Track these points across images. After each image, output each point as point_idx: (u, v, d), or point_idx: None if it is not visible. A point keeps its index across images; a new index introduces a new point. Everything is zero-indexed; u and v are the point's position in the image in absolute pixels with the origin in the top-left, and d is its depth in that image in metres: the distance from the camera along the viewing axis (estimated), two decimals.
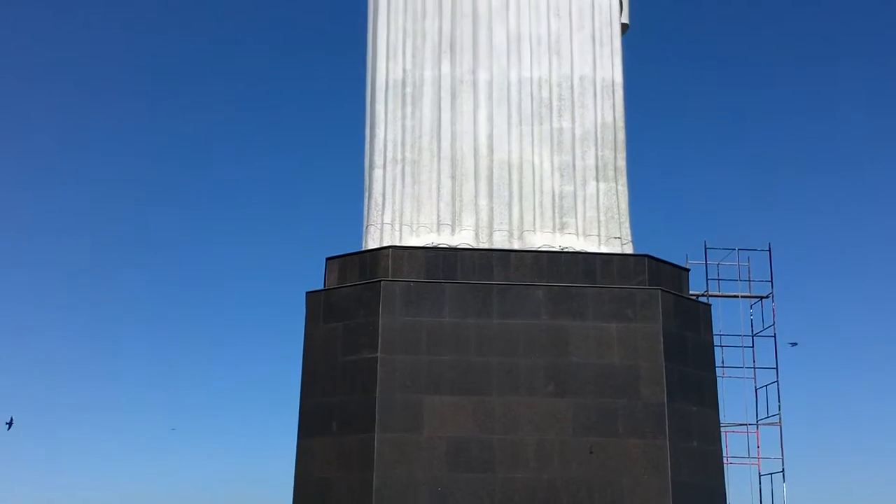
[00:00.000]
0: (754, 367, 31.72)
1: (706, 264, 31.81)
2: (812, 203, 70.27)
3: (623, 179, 27.18)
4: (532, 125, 26.93)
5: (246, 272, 70.87)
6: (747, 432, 31.37)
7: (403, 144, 26.67)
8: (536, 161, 26.74)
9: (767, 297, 32.18)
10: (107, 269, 67.91)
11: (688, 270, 26.92)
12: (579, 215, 26.59)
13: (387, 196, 26.32)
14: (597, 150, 26.96)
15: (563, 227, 26.41)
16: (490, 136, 26.75)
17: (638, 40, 31.42)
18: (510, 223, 26.37)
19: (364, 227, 26.63)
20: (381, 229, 26.10)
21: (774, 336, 31.75)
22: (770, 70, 71.55)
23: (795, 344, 34.69)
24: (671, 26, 71.54)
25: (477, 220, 26.31)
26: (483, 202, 26.39)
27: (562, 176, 26.73)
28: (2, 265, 66.61)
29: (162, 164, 71.49)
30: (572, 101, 27.16)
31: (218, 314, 68.80)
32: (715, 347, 26.63)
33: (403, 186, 26.40)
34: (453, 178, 26.44)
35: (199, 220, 71.95)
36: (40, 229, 68.20)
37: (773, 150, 71.30)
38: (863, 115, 69.52)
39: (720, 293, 32.16)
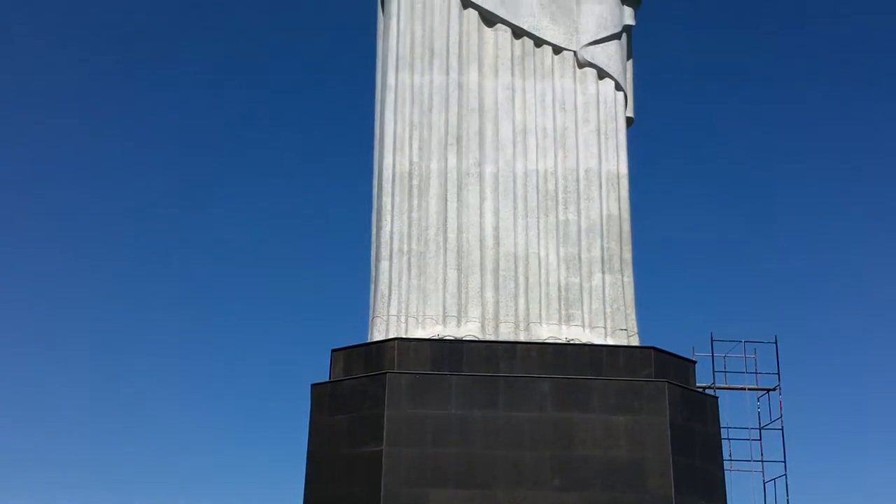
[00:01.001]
0: (762, 461, 31.43)
1: (713, 356, 31.73)
2: (819, 294, 70.28)
3: (629, 271, 27.26)
4: (538, 217, 27.09)
5: (251, 363, 70.72)
6: None
7: (410, 236, 26.81)
8: (542, 253, 26.85)
9: (774, 389, 32.01)
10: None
11: (694, 363, 26.86)
12: (585, 307, 26.61)
13: (393, 288, 26.38)
14: (602, 242, 27.09)
15: (569, 318, 26.43)
16: (496, 228, 26.90)
17: (644, 133, 31.79)
18: (516, 315, 26.39)
19: (370, 319, 26.66)
20: (387, 321, 26.11)
21: (782, 429, 31.51)
22: (772, 165, 72.08)
23: None
24: (677, 120, 72.28)
25: (483, 311, 26.33)
26: (489, 294, 26.43)
27: (567, 268, 26.82)
28: None
29: (165, 266, 71.66)
30: (578, 194, 27.36)
31: (221, 402, 68.50)
32: (722, 440, 26.43)
33: (410, 278, 26.48)
34: (459, 269, 26.53)
35: (202, 309, 71.94)
36: None
37: (779, 242, 71.52)
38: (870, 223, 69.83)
39: (727, 385, 32.01)
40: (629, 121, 28.91)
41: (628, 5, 29.25)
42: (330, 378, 25.71)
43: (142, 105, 72.63)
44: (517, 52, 28.14)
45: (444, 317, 26.15)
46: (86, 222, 70.14)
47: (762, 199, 71.03)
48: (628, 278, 27.19)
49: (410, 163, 27.26)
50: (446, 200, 26.96)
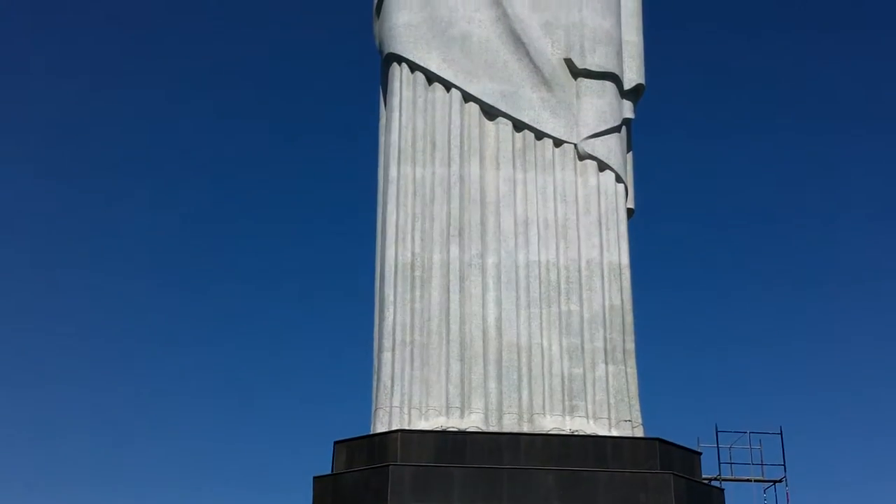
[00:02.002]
0: None
1: (718, 447, 31.55)
2: (824, 383, 70.02)
3: (632, 362, 27.20)
4: (540, 308, 27.11)
5: (251, 454, 70.13)
6: None
7: (412, 327, 26.80)
8: (545, 344, 26.81)
9: (780, 480, 31.76)
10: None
11: (699, 454, 26.64)
12: (589, 398, 26.49)
13: (396, 379, 26.30)
14: (605, 332, 27.06)
15: (572, 410, 26.29)
16: (499, 319, 26.90)
17: (643, 224, 31.98)
18: (520, 406, 26.25)
19: (372, 411, 26.52)
20: (390, 412, 25.97)
21: None
22: (771, 253, 72.39)
23: None
24: (678, 210, 72.69)
25: (486, 403, 26.20)
26: (492, 385, 26.33)
27: (571, 359, 26.75)
28: None
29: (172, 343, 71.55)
30: (580, 285, 27.42)
31: (220, 494, 67.69)
32: None
33: (412, 369, 26.41)
34: (462, 360, 26.46)
35: (204, 399, 71.58)
36: None
37: (782, 331, 71.47)
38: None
39: (733, 477, 31.78)
40: (630, 212, 29.10)
41: (627, 99, 29.62)
42: (332, 470, 25.48)
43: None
44: (518, 144, 28.42)
45: (447, 408, 26.01)
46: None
47: (764, 287, 71.20)
48: (632, 369, 27.13)
49: (413, 254, 27.36)
50: (449, 291, 27.00)
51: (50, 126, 72.44)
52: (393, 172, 28.14)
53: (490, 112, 28.50)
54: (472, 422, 25.83)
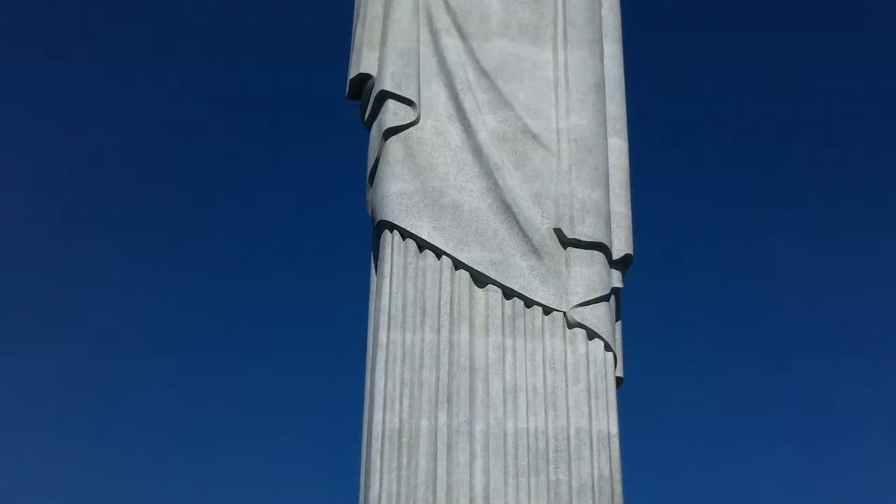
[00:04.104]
0: None
1: None
2: None
3: None
4: (528, 477, 26.77)
5: None
6: None
7: (398, 495, 26.38)
8: None
9: None
10: None
11: None
12: None
13: None
14: (594, 502, 26.67)
15: None
16: (486, 488, 26.52)
17: (635, 392, 31.89)
18: None
19: None
20: None
21: None
22: (762, 412, 71.95)
23: None
24: (668, 380, 72.57)
25: None
26: None
27: None
28: None
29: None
30: (569, 454, 27.14)
31: None
32: None
33: None
34: None
35: None
36: None
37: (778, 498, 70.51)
38: None
39: None
40: (619, 380, 29.07)
41: (616, 269, 29.94)
42: None
43: None
44: (508, 312, 28.56)
45: None
46: None
47: (756, 457, 70.64)
48: None
49: (400, 420, 27.14)
50: (436, 459, 26.69)
51: None
52: (382, 338, 28.16)
53: (480, 279, 28.74)
54: None
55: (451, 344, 27.96)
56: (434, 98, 30.05)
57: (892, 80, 75.20)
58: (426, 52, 30.38)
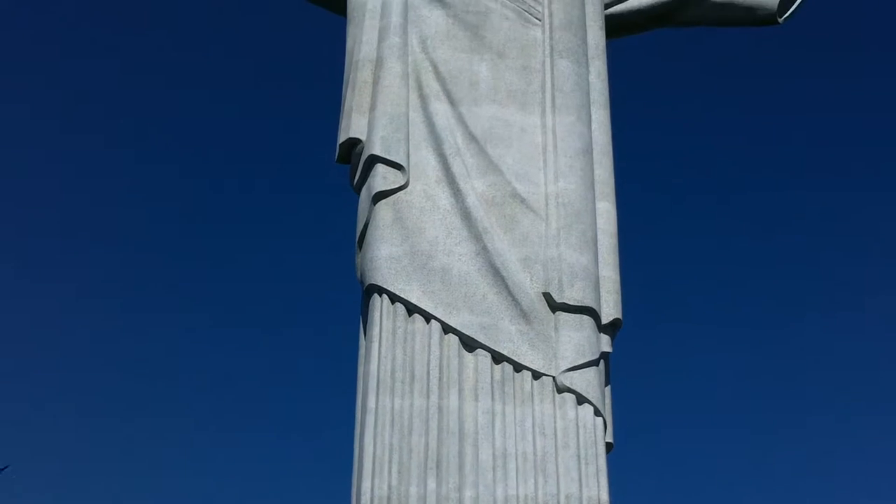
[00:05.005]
0: None
1: None
2: None
3: None
4: None
5: None
6: None
7: None
8: None
9: None
10: None
11: None
12: None
13: None
14: None
15: None
16: None
17: (625, 458, 31.71)
18: None
19: None
20: None
21: None
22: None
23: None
24: (656, 443, 72.24)
25: None
26: None
27: None
28: None
29: None
30: None
31: None
32: None
33: None
34: None
35: None
36: None
37: None
38: None
39: None
40: (609, 446, 28.89)
41: (605, 333, 29.87)
42: None
43: None
44: (497, 376, 28.42)
45: None
46: None
47: None
48: None
49: (389, 487, 26.89)
50: None
51: None
52: (371, 403, 27.98)
53: (469, 344, 28.62)
54: None
55: (440, 409, 27.78)
56: (423, 162, 30.13)
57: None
58: (415, 117, 30.52)
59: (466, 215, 29.50)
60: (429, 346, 28.46)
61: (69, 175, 76.75)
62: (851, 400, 74.45)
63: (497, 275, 29.08)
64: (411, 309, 28.77)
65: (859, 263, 76.45)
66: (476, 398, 28.06)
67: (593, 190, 30.78)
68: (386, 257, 29.20)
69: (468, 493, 26.92)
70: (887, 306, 73.34)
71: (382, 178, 29.79)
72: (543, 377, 28.48)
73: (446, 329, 28.64)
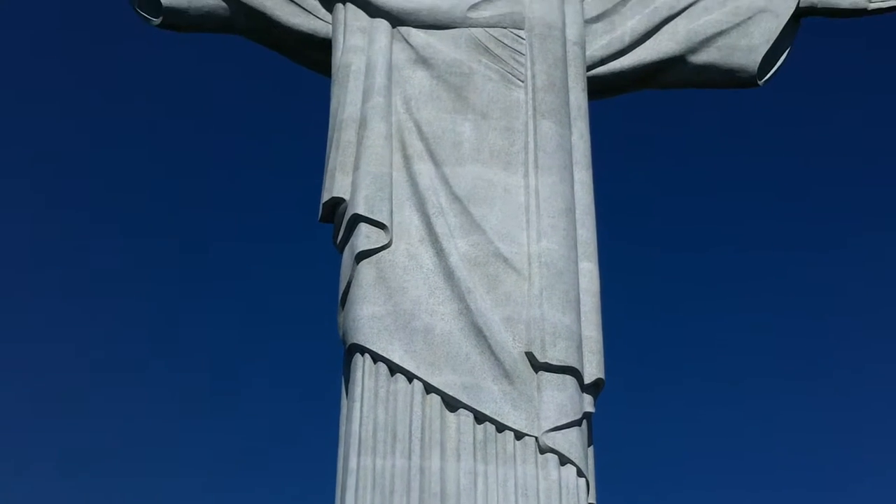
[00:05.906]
0: None
1: None
2: None
3: None
4: None
5: None
6: None
7: None
8: None
9: None
10: None
11: None
12: None
13: None
14: None
15: None
16: None
17: None
18: None
19: None
20: None
21: None
22: None
23: None
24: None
25: None
26: None
27: None
28: None
29: None
30: None
31: None
32: None
33: None
34: None
35: None
36: None
37: None
38: None
39: None
40: None
41: (588, 393, 29.80)
42: None
43: None
44: (479, 436, 28.30)
45: None
46: None
47: None
48: None
49: None
50: None
51: None
52: (352, 463, 27.82)
53: (452, 403, 28.51)
54: None
55: (421, 470, 27.61)
56: (406, 222, 30.22)
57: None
58: (399, 177, 30.64)
59: (449, 275, 29.53)
60: (411, 405, 28.35)
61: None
62: (847, 463, 74.17)
63: (480, 334, 29.06)
64: (394, 368, 28.69)
65: (854, 336, 76.73)
66: (458, 459, 27.91)
67: (576, 250, 30.86)
68: (368, 316, 29.16)
69: None
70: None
71: (366, 237, 29.86)
72: (526, 437, 28.37)
73: (428, 389, 28.55)
